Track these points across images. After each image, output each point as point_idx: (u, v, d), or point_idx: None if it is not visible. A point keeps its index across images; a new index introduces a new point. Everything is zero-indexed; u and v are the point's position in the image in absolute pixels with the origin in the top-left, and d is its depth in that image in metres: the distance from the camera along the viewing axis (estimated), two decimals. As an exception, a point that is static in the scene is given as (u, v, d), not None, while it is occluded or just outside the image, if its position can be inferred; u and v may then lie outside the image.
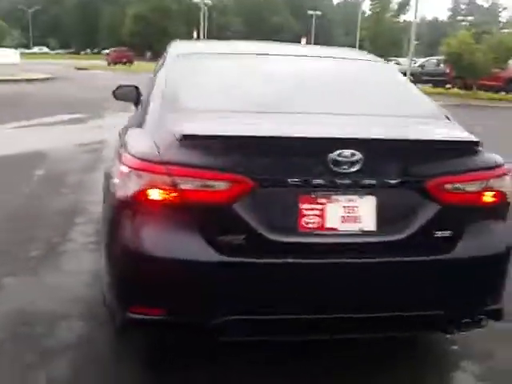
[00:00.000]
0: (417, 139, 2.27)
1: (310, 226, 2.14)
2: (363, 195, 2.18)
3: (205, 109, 2.45)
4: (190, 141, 2.08)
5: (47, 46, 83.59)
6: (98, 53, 76.20)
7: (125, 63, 43.85)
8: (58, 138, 8.76)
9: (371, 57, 3.40)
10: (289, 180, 2.09)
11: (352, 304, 2.20)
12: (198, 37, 52.10)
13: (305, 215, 2.13)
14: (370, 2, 34.60)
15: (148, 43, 65.68)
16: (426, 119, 2.63)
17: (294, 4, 78.22)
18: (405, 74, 27.01)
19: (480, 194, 2.29)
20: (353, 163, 2.10)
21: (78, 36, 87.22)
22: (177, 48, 3.19)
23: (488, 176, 2.29)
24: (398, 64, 28.16)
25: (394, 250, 2.19)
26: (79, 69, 36.64)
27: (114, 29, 75.80)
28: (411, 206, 2.21)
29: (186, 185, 2.06)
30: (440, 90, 25.13)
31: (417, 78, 26.16)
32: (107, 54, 50.32)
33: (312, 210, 2.14)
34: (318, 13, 61.83)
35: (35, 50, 74.72)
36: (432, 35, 76.15)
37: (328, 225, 2.15)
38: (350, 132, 2.21)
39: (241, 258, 2.08)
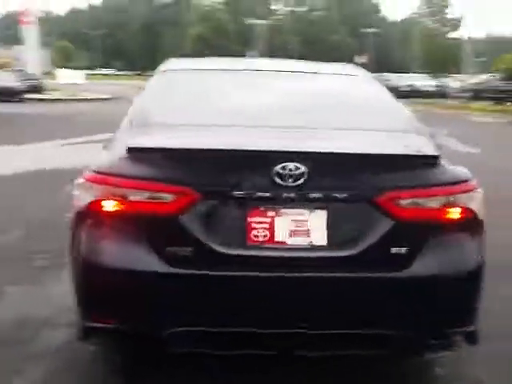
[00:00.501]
0: (366, 153, 2.22)
1: (259, 239, 2.14)
2: (314, 209, 2.16)
3: (172, 123, 2.51)
4: (136, 153, 2.14)
5: (112, 68, 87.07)
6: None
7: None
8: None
9: (361, 72, 3.36)
10: (235, 193, 2.11)
11: (301, 319, 2.17)
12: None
13: (253, 228, 2.14)
14: (426, 19, 34.15)
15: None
16: (392, 133, 2.56)
17: (350, 23, 78.05)
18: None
19: (441, 210, 2.21)
20: (297, 177, 2.09)
21: (141, 58, 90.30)
22: (167, 65, 3.28)
23: (449, 191, 2.22)
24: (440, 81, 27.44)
25: (345, 266, 2.15)
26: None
27: (175, 50, 78.06)
28: (364, 221, 2.16)
29: (135, 196, 2.11)
30: (499, 107, 24.50)
31: (477, 94, 25.53)
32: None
33: (261, 223, 2.14)
34: (375, 30, 61.48)
35: (102, 71, 78.01)
36: (499, 51, 73.84)
37: (277, 238, 2.15)
38: (296, 145, 2.20)
39: (188, 269, 2.11)
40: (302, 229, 2.16)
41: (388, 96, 2.97)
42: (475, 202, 2.29)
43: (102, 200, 2.13)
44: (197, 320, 2.14)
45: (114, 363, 2.69)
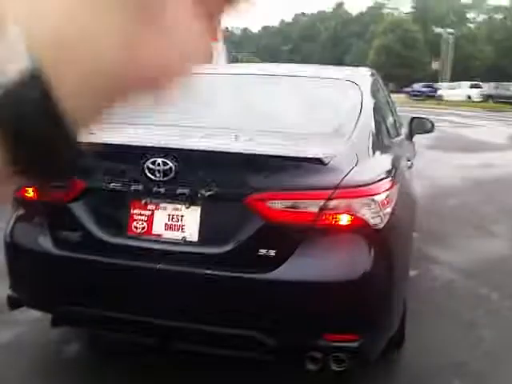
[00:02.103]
0: (237, 152, 2.20)
1: (138, 230, 2.25)
2: (189, 205, 2.21)
3: (114, 121, 2.73)
4: None
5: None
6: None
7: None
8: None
9: (362, 78, 3.22)
10: (114, 185, 2.25)
11: (171, 311, 2.23)
12: (443, 67, 50.58)
13: (134, 220, 2.26)
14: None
15: (389, 74, 65.92)
16: (309, 136, 2.49)
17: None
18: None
19: (317, 214, 2.10)
20: (165, 172, 2.17)
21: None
22: None
23: (327, 196, 2.09)
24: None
25: (213, 263, 2.16)
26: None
27: (359, 62, 78.06)
28: (235, 220, 2.16)
29: None
30: None
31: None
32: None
33: (141, 215, 2.26)
34: None
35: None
36: None
37: (154, 231, 2.24)
38: (168, 142, 2.27)
39: (73, 252, 2.31)
40: (177, 223, 2.22)
41: (354, 103, 2.80)
42: (366, 208, 2.12)
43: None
44: (79, 300, 2.33)
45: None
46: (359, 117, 2.66)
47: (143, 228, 2.25)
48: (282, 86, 3.07)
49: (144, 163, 2.19)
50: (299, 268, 2.10)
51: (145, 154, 2.21)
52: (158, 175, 2.18)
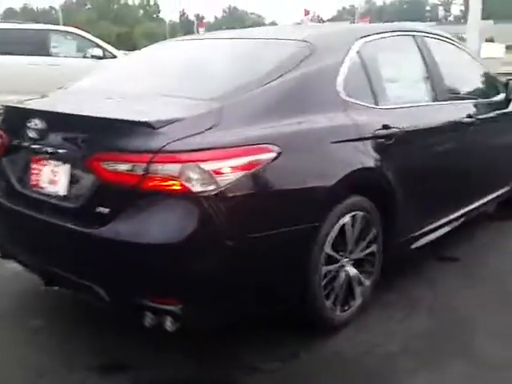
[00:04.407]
0: (85, 115, 2.36)
1: (33, 183, 2.57)
2: (62, 163, 2.43)
3: (71, 88, 3.11)
4: None
5: None
6: None
7: None
8: None
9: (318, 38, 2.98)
10: (22, 143, 2.60)
11: (45, 257, 2.55)
12: None
13: (32, 174, 2.58)
14: None
15: None
16: (187, 100, 2.48)
17: None
18: None
19: (141, 177, 2.13)
20: (39, 132, 2.44)
21: None
22: None
23: (149, 159, 2.11)
24: None
25: (70, 217, 2.36)
26: None
27: None
28: (84, 178, 2.34)
29: None
30: None
31: None
32: None
33: (35, 169, 2.57)
34: None
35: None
36: None
37: (41, 184, 2.53)
38: (40, 106, 2.55)
39: (5, 201, 2.71)
40: (55, 178, 2.47)
41: (280, 67, 2.64)
42: (190, 174, 2.09)
43: None
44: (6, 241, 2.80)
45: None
46: (269, 82, 2.52)
47: (37, 181, 2.55)
48: (229, 51, 3.12)
49: (27, 124, 2.49)
50: (123, 228, 2.18)
51: (27, 116, 2.52)
52: (35, 135, 2.47)
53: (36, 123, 2.45)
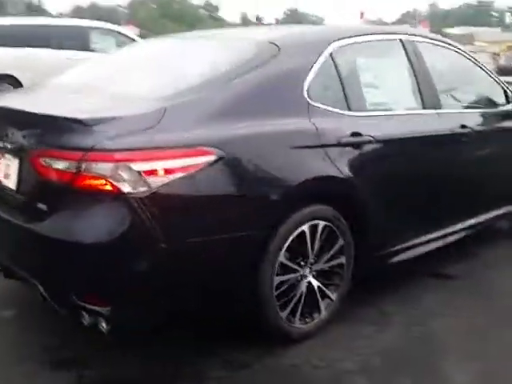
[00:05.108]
0: (29, 112, 2.39)
1: None
2: (14, 157, 2.44)
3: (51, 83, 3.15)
4: None
5: None
6: None
7: None
8: None
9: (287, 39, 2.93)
10: None
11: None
12: None
13: None
14: None
15: None
16: (138, 99, 2.46)
17: None
18: None
19: (74, 175, 2.12)
20: None
21: None
22: None
23: (79, 157, 2.10)
24: None
25: (17, 211, 2.39)
26: None
27: None
28: (28, 173, 2.34)
29: None
30: None
31: None
32: None
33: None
34: None
35: None
36: None
37: (0, 177, 2.55)
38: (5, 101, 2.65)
39: None
40: (8, 172, 2.49)
41: (239, 67, 2.59)
42: (120, 174, 2.08)
43: None
44: None
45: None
46: (225, 83, 2.47)
47: (2, 175, 2.57)
48: (194, 50, 3.08)
49: None
50: (55, 225, 2.18)
51: None
52: None
53: None
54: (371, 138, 2.79)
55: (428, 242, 3.28)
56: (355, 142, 2.73)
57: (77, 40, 9.77)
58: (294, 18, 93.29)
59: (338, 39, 2.92)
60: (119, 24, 22.10)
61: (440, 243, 3.38)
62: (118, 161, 2.06)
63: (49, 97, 2.80)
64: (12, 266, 2.48)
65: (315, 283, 2.70)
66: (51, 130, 2.24)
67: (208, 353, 2.59)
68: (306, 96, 2.63)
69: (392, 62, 3.37)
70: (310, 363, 2.55)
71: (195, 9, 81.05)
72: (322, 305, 2.75)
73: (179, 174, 2.12)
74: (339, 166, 2.63)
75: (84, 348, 2.63)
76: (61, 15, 44.13)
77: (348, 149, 2.69)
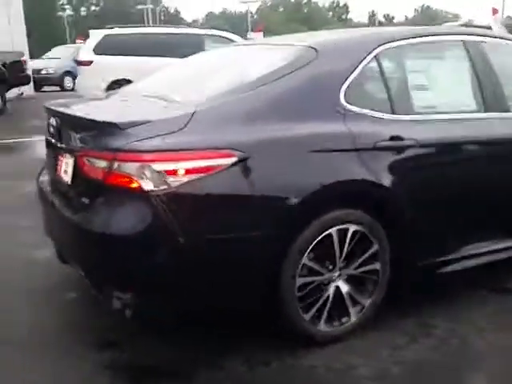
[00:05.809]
0: (79, 116, 2.67)
1: (57, 172, 2.93)
2: (71, 156, 2.74)
3: (123, 89, 3.47)
4: None
5: None
6: None
7: None
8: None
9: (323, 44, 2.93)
10: (49, 138, 3.01)
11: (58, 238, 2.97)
12: None
13: (57, 165, 2.94)
14: None
15: None
16: (167, 103, 2.68)
17: None
18: None
19: (107, 173, 2.36)
20: (56, 129, 2.81)
21: None
22: None
23: (111, 157, 2.33)
24: None
25: (71, 204, 2.69)
26: None
27: None
28: (79, 171, 2.60)
29: None
30: None
31: None
32: None
33: (59, 161, 2.91)
34: None
35: None
36: None
37: (60, 174, 2.88)
38: (56, 106, 2.86)
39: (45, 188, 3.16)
40: (66, 169, 2.80)
41: (277, 71, 2.67)
42: (143, 173, 2.27)
43: None
44: None
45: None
46: (257, 88, 2.57)
47: (59, 171, 2.91)
48: (240, 57, 3.28)
49: (51, 122, 2.90)
50: (90, 218, 2.42)
51: (49, 115, 2.91)
52: (53, 131, 2.87)
53: (52, 122, 2.86)
54: (414, 142, 2.73)
55: (480, 254, 3.11)
56: (394, 145, 2.69)
57: (193, 47, 10.34)
58: (425, 15, 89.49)
59: (385, 43, 2.88)
60: (247, 29, 22.80)
61: (494, 257, 3.18)
62: (143, 161, 2.26)
63: (106, 104, 3.11)
64: (64, 253, 2.81)
65: (345, 288, 2.70)
66: (94, 133, 2.50)
67: (232, 348, 2.71)
68: (342, 99, 2.63)
69: (450, 63, 3.26)
70: (326, 366, 2.56)
71: (324, 11, 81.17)
72: (352, 310, 2.75)
73: (198, 175, 2.27)
74: (373, 170, 2.60)
75: (121, 332, 2.87)
76: (193, 22, 46.62)
77: (385, 153, 2.66)
